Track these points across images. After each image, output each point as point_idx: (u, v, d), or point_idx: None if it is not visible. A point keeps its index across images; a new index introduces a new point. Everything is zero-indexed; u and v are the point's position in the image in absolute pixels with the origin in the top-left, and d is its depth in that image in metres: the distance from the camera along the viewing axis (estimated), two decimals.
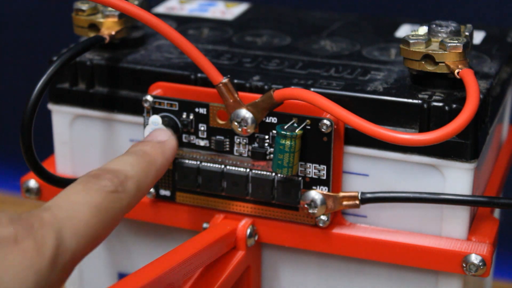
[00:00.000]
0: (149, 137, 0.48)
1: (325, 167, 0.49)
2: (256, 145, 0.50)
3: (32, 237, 0.36)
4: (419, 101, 0.48)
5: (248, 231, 0.51)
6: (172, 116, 0.51)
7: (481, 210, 0.52)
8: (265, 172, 0.50)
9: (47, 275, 0.36)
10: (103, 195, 0.40)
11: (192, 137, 0.51)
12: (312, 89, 0.50)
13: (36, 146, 0.49)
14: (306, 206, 0.50)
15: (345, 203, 0.49)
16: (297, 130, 0.48)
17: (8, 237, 0.35)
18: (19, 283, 0.35)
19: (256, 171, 0.51)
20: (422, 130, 0.48)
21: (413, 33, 0.49)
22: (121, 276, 0.58)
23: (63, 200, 0.39)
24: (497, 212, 0.61)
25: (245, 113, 0.49)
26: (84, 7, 0.54)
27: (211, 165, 0.51)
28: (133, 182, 0.42)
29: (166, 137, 0.48)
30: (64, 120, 0.56)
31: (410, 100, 0.49)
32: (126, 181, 0.42)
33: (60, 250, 0.37)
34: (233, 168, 0.51)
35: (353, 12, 0.65)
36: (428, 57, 0.48)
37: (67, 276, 0.38)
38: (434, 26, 0.49)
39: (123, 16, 0.54)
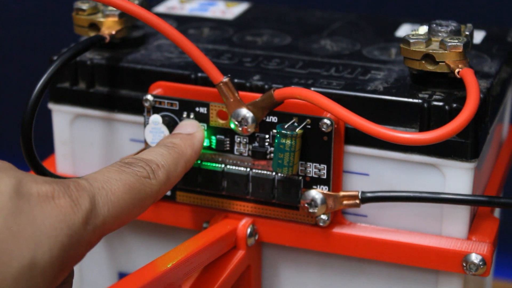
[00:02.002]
0: (178, 129, 0.50)
1: (325, 166, 0.49)
2: (256, 144, 0.50)
3: (68, 196, 0.38)
4: (420, 101, 0.48)
5: (249, 230, 0.51)
6: (172, 115, 0.51)
7: (481, 210, 0.52)
8: (265, 172, 0.50)
9: (79, 232, 0.38)
10: (136, 178, 0.43)
11: None
12: (312, 89, 0.50)
13: (36, 146, 0.49)
14: (306, 205, 0.50)
15: (345, 202, 0.49)
16: (297, 130, 0.48)
17: (45, 193, 0.38)
18: (54, 233, 0.37)
19: (257, 171, 0.51)
20: (422, 129, 0.48)
21: (414, 32, 0.49)
22: (122, 275, 0.58)
23: (99, 174, 0.42)
24: (497, 212, 0.61)
25: (245, 112, 0.49)
26: (85, 6, 0.54)
27: (212, 164, 0.51)
28: (164, 171, 0.45)
29: (195, 129, 0.50)
30: (65, 119, 0.56)
31: (411, 100, 0.49)
32: (157, 170, 0.45)
33: (93, 213, 0.39)
34: (234, 167, 0.51)
35: (353, 12, 0.65)
36: (429, 57, 0.48)
37: (97, 241, 0.40)
38: (434, 25, 0.49)
39: (124, 16, 0.54)
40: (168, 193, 0.53)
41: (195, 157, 0.49)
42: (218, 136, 0.51)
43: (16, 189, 0.37)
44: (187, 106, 0.51)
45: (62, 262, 0.37)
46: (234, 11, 0.64)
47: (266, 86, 0.51)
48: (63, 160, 0.57)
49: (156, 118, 0.51)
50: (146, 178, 0.43)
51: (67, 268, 0.38)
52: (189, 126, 0.50)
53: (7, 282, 0.35)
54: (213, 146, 0.51)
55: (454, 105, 0.48)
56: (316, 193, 0.49)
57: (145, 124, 0.52)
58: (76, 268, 0.58)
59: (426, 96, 0.49)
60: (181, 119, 0.51)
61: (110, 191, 0.41)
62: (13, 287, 0.35)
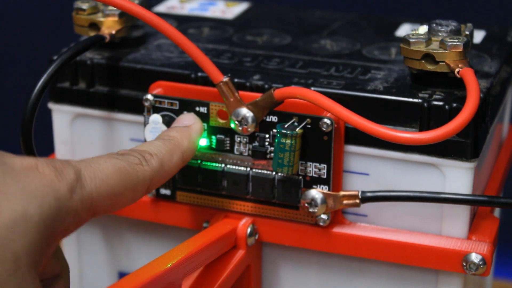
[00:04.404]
0: (175, 122, 0.50)
1: (325, 166, 0.49)
2: (256, 144, 0.50)
3: (52, 167, 0.38)
4: (420, 100, 0.48)
5: (249, 230, 0.51)
6: (172, 115, 0.51)
7: (481, 209, 0.52)
8: (265, 171, 0.50)
9: (66, 199, 0.38)
10: (127, 163, 0.43)
11: None
12: (312, 88, 0.50)
13: (36, 145, 0.49)
14: (306, 205, 0.50)
15: (345, 202, 0.49)
16: (297, 129, 0.48)
17: (29, 163, 0.38)
18: (41, 194, 0.37)
19: (257, 170, 0.51)
20: (422, 129, 0.48)
21: (414, 32, 0.49)
22: (122, 275, 0.58)
23: (87, 158, 0.42)
24: (497, 211, 0.61)
25: (245, 112, 0.49)
26: (85, 6, 0.54)
27: (212, 164, 0.51)
28: (157, 159, 0.45)
29: (192, 121, 0.50)
30: (65, 119, 0.56)
31: (411, 99, 0.49)
32: (150, 158, 0.45)
33: (79, 184, 0.39)
34: (234, 167, 0.51)
35: (353, 11, 0.65)
36: (429, 56, 0.48)
37: (86, 215, 0.40)
38: (434, 25, 0.49)
39: (124, 15, 0.54)
40: (168, 192, 0.53)
41: (192, 148, 0.49)
42: (218, 136, 0.51)
43: None
44: (187, 106, 0.51)
45: (52, 224, 0.37)
46: (234, 11, 0.64)
47: (266, 86, 0.51)
48: None
49: (156, 118, 0.51)
50: (138, 164, 0.43)
51: (58, 233, 0.38)
52: (186, 119, 0.50)
53: (3, 231, 0.35)
54: (213, 145, 0.51)
55: (454, 104, 0.48)
56: (316, 193, 0.49)
57: (145, 123, 0.52)
58: (76, 268, 0.59)
59: (426, 95, 0.49)
60: None
61: (97, 169, 0.41)
62: (9, 235, 0.35)
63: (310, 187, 0.50)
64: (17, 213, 0.36)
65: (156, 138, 0.48)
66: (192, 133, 0.49)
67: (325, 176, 0.49)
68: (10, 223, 0.35)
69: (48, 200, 0.37)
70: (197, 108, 0.51)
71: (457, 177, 0.48)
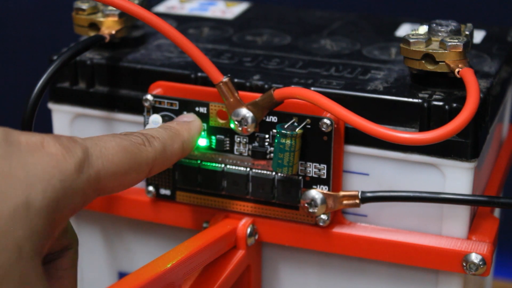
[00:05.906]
0: (176, 118, 0.51)
1: (325, 166, 0.49)
2: (256, 144, 0.50)
3: (59, 144, 0.38)
4: (419, 100, 0.48)
5: (248, 230, 0.51)
6: (172, 115, 0.51)
7: (481, 209, 0.52)
8: (265, 171, 0.50)
9: (72, 179, 0.38)
10: (131, 142, 0.43)
11: None
12: (312, 88, 0.50)
13: None
14: (306, 205, 0.50)
15: (345, 202, 0.49)
16: (297, 129, 0.48)
17: (35, 142, 0.38)
18: (47, 177, 0.37)
19: (256, 170, 0.51)
20: (422, 129, 0.48)
21: (414, 32, 0.49)
22: (122, 275, 0.58)
23: (93, 136, 0.42)
24: (497, 211, 0.61)
25: (245, 112, 0.49)
26: (84, 6, 0.54)
27: (212, 164, 0.51)
28: (160, 142, 0.45)
29: (192, 119, 0.50)
30: (64, 119, 0.56)
31: (410, 99, 0.49)
32: (152, 140, 0.45)
33: (86, 163, 0.39)
34: (233, 167, 0.51)
35: (353, 11, 0.65)
36: (428, 56, 0.48)
37: (93, 193, 0.40)
38: (434, 25, 0.49)
39: (124, 15, 0.54)
40: (168, 192, 0.53)
41: (191, 141, 0.49)
42: (218, 136, 0.51)
43: (4, 138, 0.37)
44: (187, 106, 0.51)
45: (57, 207, 0.37)
46: (234, 11, 0.64)
47: (266, 86, 0.51)
48: None
49: (156, 118, 0.51)
50: (141, 144, 0.44)
51: (64, 215, 0.38)
52: (186, 116, 0.50)
53: (4, 219, 0.35)
54: (213, 146, 0.51)
55: (454, 104, 0.48)
56: (316, 193, 0.49)
57: (145, 124, 0.52)
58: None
59: (426, 96, 0.49)
60: None
61: (104, 147, 0.41)
62: (10, 224, 0.35)
63: (310, 187, 0.50)
64: (18, 200, 0.36)
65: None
66: (191, 127, 0.49)
67: (325, 176, 0.49)
68: (12, 211, 0.35)
69: (54, 182, 0.37)
70: (197, 108, 0.51)
71: (457, 177, 0.48)
